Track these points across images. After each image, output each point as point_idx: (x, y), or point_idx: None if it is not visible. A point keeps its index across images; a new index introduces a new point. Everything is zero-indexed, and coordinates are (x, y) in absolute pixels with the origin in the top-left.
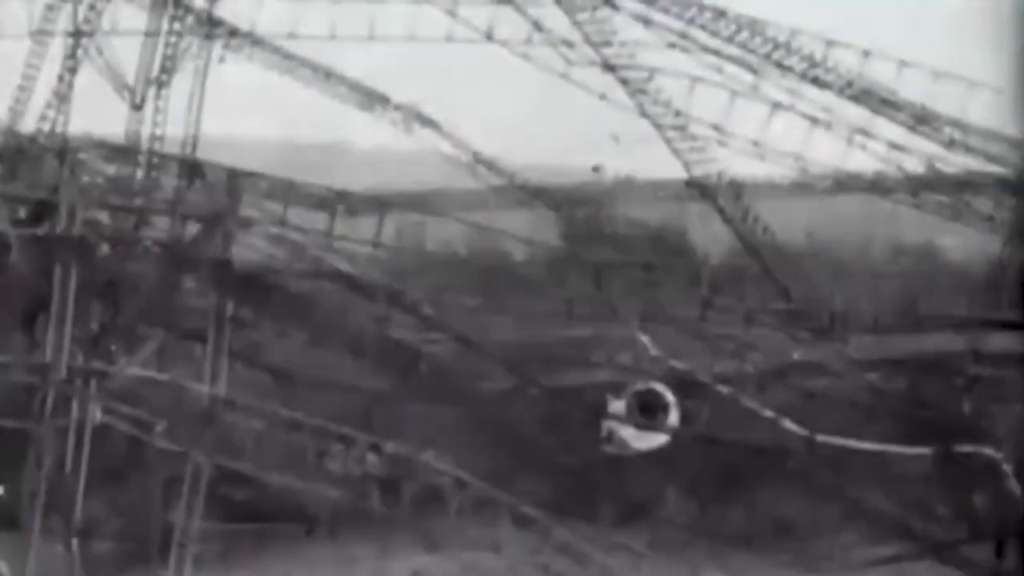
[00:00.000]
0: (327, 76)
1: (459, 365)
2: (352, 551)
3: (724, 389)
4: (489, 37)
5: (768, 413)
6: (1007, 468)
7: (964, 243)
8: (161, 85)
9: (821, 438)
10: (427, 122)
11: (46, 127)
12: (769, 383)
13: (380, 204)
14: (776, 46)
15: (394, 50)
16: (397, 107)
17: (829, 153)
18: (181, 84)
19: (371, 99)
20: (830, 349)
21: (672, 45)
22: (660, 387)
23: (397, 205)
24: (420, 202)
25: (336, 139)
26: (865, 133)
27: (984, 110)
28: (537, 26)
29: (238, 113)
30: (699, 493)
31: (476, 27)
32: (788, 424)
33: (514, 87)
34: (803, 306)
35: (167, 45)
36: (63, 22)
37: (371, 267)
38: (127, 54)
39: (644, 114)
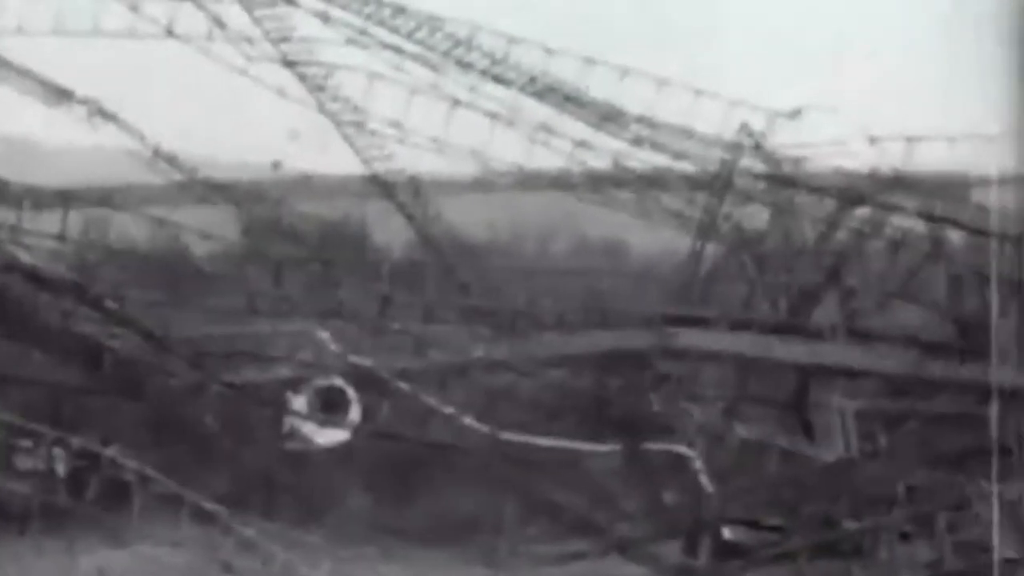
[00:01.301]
0: (10, 70)
1: (143, 360)
2: (39, 546)
3: (404, 386)
4: (170, 33)
5: (449, 410)
6: (699, 465)
7: (652, 240)
8: None
9: (505, 435)
10: (109, 117)
11: None
12: (450, 380)
13: (65, 199)
14: (456, 43)
15: (79, 45)
16: (81, 102)
17: (511, 150)
18: None
19: (55, 94)
20: (513, 346)
21: (351, 41)
22: (341, 383)
23: (82, 200)
24: (105, 197)
25: (22, 134)
26: (548, 130)
27: (673, 107)
28: (217, 22)
29: None
30: (381, 489)
31: (157, 22)
32: (469, 421)
33: (195, 83)
34: (485, 303)
35: None
36: None
37: (56, 261)
38: None
39: (323, 111)
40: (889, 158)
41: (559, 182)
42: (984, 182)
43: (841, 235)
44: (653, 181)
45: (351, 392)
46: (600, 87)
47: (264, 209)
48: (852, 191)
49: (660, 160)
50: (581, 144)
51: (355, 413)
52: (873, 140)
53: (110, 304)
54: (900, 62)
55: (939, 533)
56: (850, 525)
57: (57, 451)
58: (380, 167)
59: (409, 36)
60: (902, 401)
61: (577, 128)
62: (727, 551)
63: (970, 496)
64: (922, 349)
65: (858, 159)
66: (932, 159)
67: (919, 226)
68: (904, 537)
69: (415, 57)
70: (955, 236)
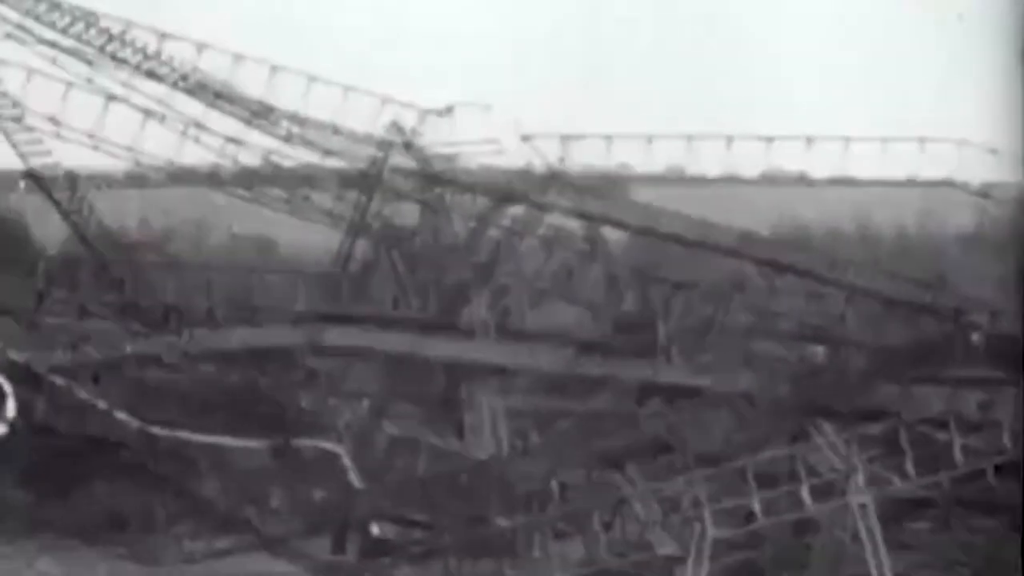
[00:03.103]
0: None
1: None
2: None
3: (59, 380)
4: None
5: (102, 404)
6: (347, 462)
7: (303, 237)
8: None
9: (156, 430)
10: None
11: None
12: (104, 375)
13: None
14: (110, 38)
15: None
16: None
17: (163, 145)
18: None
19: None
20: (164, 341)
21: (9, 36)
22: None
23: None
24: None
25: None
26: (200, 126)
27: (324, 104)
28: None
29: None
30: (37, 484)
31: None
32: (122, 416)
33: None
34: (137, 298)
35: None
36: None
37: None
38: None
39: None
40: (544, 156)
41: (211, 178)
42: (643, 180)
43: (494, 233)
44: (303, 178)
45: (7, 387)
46: (251, 83)
47: None
48: (505, 189)
49: (310, 157)
50: (232, 140)
51: (11, 408)
52: (526, 138)
53: None
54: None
55: (594, 531)
56: (502, 523)
57: None
58: (37, 162)
59: (65, 31)
60: (556, 399)
61: (228, 124)
62: (376, 548)
63: (626, 494)
64: (578, 347)
65: (512, 157)
66: (589, 157)
67: (575, 224)
68: (558, 535)
69: (71, 52)
70: (614, 235)
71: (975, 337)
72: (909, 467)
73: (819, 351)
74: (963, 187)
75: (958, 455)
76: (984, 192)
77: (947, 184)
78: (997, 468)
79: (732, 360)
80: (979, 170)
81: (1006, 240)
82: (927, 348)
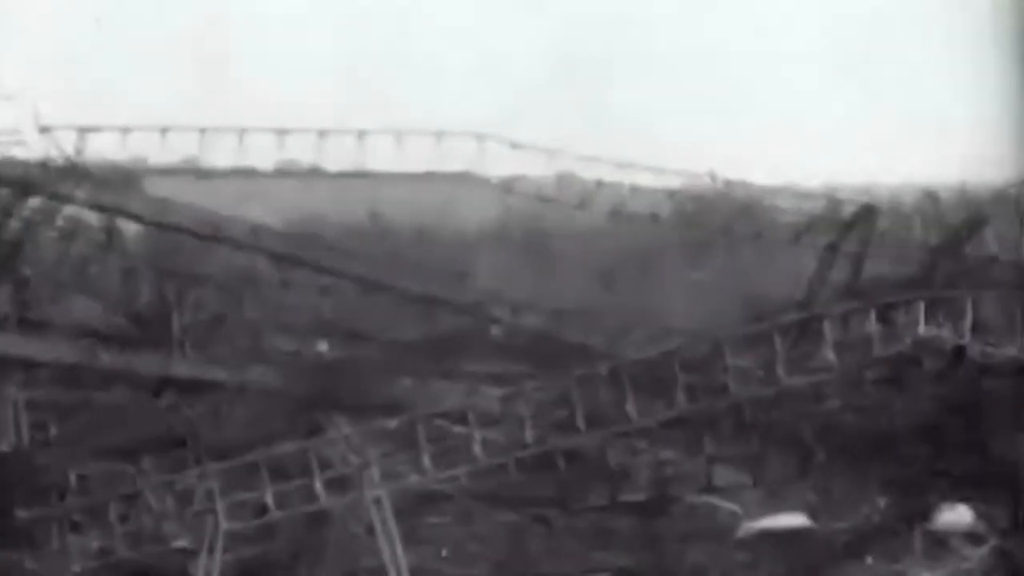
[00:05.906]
0: None
1: None
2: None
3: None
4: None
5: None
6: None
7: None
8: None
9: None
10: None
11: None
12: None
13: None
14: None
15: None
16: None
17: None
18: None
19: None
20: None
21: None
22: None
23: None
24: None
25: None
26: None
27: None
28: None
29: None
30: None
31: None
32: None
33: None
34: None
35: None
36: None
37: None
38: None
39: None
40: (62, 148)
41: None
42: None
43: (15, 224)
44: None
45: None
46: None
47: None
48: (24, 180)
49: None
50: None
51: None
52: (44, 129)
53: None
54: None
55: (110, 523)
56: (22, 515)
57: None
58: None
59: None
60: (75, 391)
61: None
62: None
63: (142, 486)
64: (95, 339)
65: (32, 148)
66: (106, 149)
67: (93, 217)
68: (75, 526)
69: None
70: (132, 228)
71: (495, 331)
72: (426, 461)
73: (323, 346)
74: (484, 181)
75: (477, 449)
76: (506, 186)
77: (467, 178)
78: (520, 462)
79: (244, 354)
80: (501, 164)
81: (529, 234)
82: (444, 342)
